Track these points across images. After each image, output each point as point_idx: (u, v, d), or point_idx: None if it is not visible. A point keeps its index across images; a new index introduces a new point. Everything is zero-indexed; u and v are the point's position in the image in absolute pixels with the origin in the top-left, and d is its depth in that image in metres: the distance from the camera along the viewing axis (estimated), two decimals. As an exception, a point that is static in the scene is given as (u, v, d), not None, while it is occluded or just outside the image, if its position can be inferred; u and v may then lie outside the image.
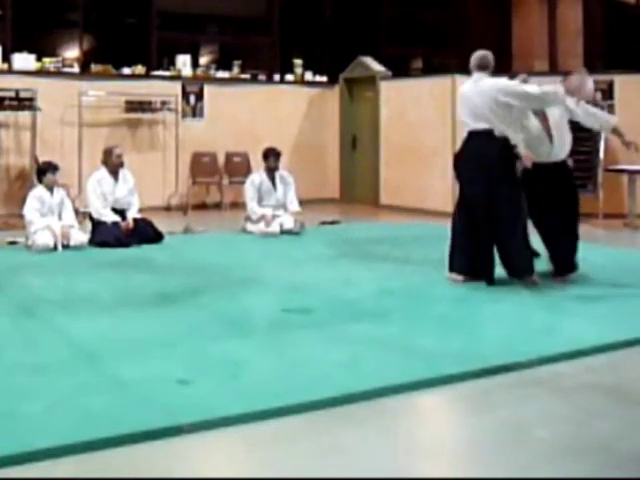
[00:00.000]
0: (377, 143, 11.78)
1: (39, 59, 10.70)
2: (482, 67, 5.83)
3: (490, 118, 5.57)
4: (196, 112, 11.54)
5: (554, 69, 13.24)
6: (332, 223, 9.54)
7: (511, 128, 5.60)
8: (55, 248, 7.21)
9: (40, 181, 7.58)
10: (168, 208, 11.01)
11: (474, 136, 5.67)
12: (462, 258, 5.74)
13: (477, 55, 5.91)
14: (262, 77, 12.37)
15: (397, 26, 14.27)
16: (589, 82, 5.70)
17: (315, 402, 3.26)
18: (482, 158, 5.55)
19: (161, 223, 8.21)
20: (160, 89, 11.16)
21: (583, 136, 10.19)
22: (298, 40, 13.41)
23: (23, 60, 10.53)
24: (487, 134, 5.59)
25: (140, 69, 11.37)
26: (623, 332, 4.39)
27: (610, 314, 4.84)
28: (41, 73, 10.58)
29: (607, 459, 2.79)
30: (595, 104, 10.18)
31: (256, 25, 13.46)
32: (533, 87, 5.67)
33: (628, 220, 9.47)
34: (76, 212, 8.02)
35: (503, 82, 5.73)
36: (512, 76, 6.16)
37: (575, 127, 10.43)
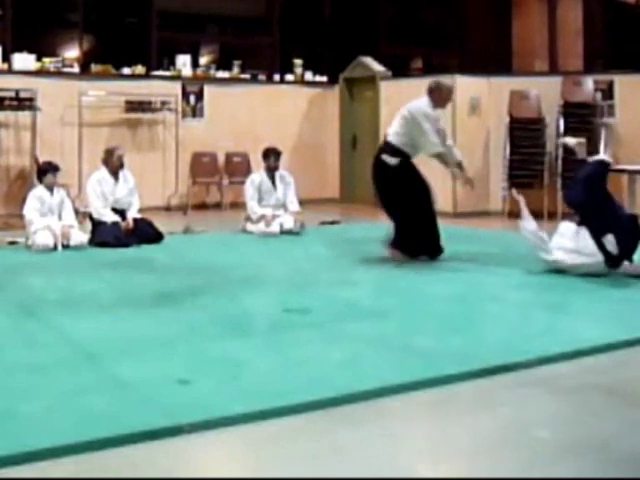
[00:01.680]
0: (377, 143, 11.72)
1: (39, 59, 10.71)
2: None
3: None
4: (196, 112, 11.54)
5: (554, 69, 13.25)
6: (332, 223, 9.54)
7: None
8: (55, 248, 7.21)
9: (40, 181, 7.58)
10: (168, 208, 11.02)
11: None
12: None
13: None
14: (262, 77, 12.37)
15: (397, 26, 14.27)
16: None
17: (315, 402, 3.25)
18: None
19: (161, 223, 8.22)
20: (160, 89, 11.17)
21: (583, 136, 10.20)
22: (298, 40, 13.41)
23: (23, 60, 10.53)
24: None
25: (140, 69, 11.37)
26: (623, 332, 4.38)
27: (610, 314, 4.84)
28: (41, 73, 10.59)
29: (607, 459, 2.79)
30: (593, 105, 10.20)
31: (256, 25, 13.47)
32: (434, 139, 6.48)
33: (628, 220, 9.47)
34: (76, 212, 8.03)
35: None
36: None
37: (575, 128, 10.45)
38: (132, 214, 7.90)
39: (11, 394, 3.33)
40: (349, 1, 13.94)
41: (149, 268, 6.47)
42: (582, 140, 6.52)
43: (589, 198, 5.83)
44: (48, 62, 10.76)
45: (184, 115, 11.40)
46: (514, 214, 10.50)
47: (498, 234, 9.03)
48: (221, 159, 11.58)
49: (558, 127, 10.23)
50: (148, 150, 11.13)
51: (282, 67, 12.62)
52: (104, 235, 7.56)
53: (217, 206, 11.46)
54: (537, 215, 10.16)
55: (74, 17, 11.86)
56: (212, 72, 12.04)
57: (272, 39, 13.11)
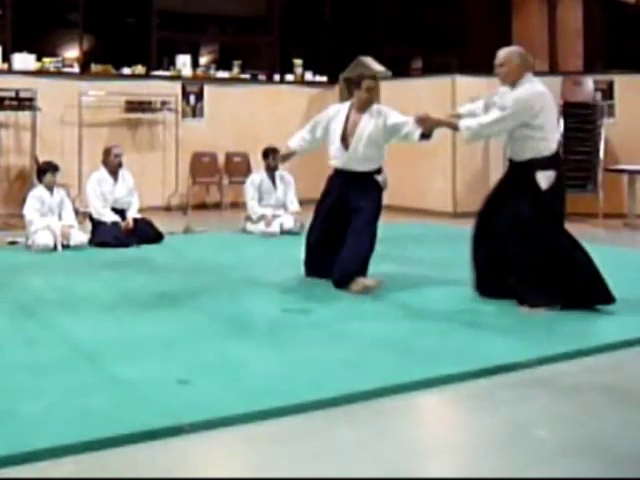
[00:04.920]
0: (377, 143, 11.75)
1: (39, 59, 10.71)
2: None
3: None
4: (196, 112, 11.54)
5: (554, 69, 13.25)
6: (332, 223, 9.52)
7: None
8: (55, 248, 7.21)
9: (40, 181, 7.58)
10: (168, 208, 11.01)
11: None
12: None
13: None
14: (262, 77, 12.37)
15: (397, 26, 14.27)
16: None
17: (315, 402, 3.26)
18: None
19: (161, 223, 8.22)
20: (160, 89, 11.16)
21: (583, 136, 10.21)
22: (298, 40, 13.41)
23: (23, 60, 10.53)
24: None
25: (140, 69, 11.37)
26: (623, 332, 4.39)
27: (610, 314, 4.84)
28: (41, 73, 10.59)
29: (607, 459, 2.79)
30: (593, 104, 10.20)
31: (256, 25, 13.47)
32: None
33: (628, 220, 9.48)
34: (76, 212, 8.03)
35: None
36: None
37: (575, 128, 10.46)
38: (132, 214, 7.90)
39: (11, 394, 3.33)
40: (349, 1, 13.94)
41: (149, 268, 6.47)
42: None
43: None
44: (48, 62, 10.76)
45: (184, 115, 11.39)
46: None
47: (498, 234, 9.01)
48: (221, 159, 11.58)
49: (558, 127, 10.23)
50: (148, 150, 11.12)
51: (282, 67, 12.62)
52: (104, 235, 7.56)
53: (217, 206, 11.46)
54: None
55: (74, 17, 11.86)
56: (212, 72, 12.04)
57: (272, 39, 13.11)
